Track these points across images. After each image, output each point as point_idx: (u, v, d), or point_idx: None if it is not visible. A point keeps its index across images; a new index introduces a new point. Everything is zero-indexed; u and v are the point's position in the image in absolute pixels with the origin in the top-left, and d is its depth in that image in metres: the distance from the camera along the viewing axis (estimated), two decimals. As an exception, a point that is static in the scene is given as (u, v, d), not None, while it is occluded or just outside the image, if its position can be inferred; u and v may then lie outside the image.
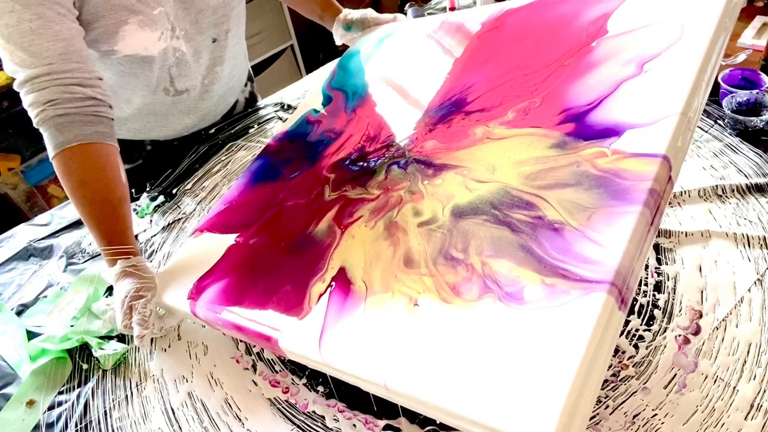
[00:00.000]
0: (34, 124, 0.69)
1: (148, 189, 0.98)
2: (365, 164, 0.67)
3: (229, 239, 0.69)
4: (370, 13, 0.97)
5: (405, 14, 1.27)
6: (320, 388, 0.62)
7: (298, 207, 0.67)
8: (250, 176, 0.79)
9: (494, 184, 0.53)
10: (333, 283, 0.55)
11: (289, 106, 1.12)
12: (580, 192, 0.47)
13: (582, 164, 0.49)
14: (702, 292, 0.62)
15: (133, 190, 0.96)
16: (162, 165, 1.02)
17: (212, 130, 1.07)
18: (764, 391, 0.53)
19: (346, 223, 0.60)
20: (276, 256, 0.62)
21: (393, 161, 0.65)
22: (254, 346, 0.69)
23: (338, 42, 1.03)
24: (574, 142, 0.51)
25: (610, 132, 0.50)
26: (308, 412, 0.60)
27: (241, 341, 0.69)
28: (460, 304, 0.46)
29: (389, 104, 0.75)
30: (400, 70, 0.80)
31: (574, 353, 0.38)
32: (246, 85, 1.14)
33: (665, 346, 0.58)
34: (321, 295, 0.54)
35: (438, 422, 0.56)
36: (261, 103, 1.16)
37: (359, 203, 0.62)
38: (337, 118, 0.79)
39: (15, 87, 0.69)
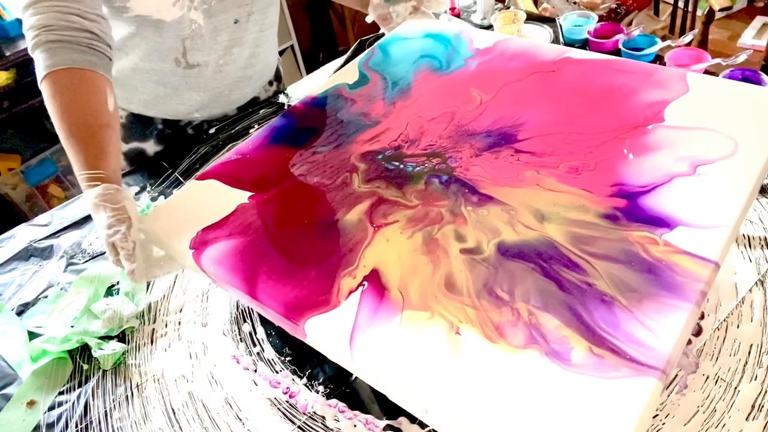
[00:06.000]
0: (29, 50, 0.69)
1: (148, 189, 0.98)
2: (401, 166, 0.66)
3: (240, 196, 0.67)
4: None
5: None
6: (320, 389, 0.62)
7: (323, 187, 0.66)
8: (270, 133, 0.76)
9: (542, 236, 0.54)
10: (365, 283, 0.54)
11: (290, 106, 1.11)
12: (630, 272, 0.49)
13: (633, 245, 0.51)
14: (703, 292, 0.62)
15: (133, 192, 0.96)
16: (167, 161, 1.02)
17: (212, 130, 1.07)
18: (765, 392, 0.53)
19: (379, 223, 0.60)
20: (298, 233, 0.61)
21: (434, 174, 0.64)
22: (254, 346, 0.68)
23: (371, 14, 0.99)
24: (626, 221, 0.53)
25: (661, 222, 0.52)
26: (308, 413, 0.60)
27: (241, 340, 0.69)
28: (506, 348, 0.46)
29: (433, 111, 0.73)
30: (450, 77, 0.78)
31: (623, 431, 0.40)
32: (272, 84, 1.14)
33: (666, 347, 0.58)
34: (351, 292, 0.54)
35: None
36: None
37: (394, 206, 0.61)
38: (373, 103, 0.77)
39: (20, 11, 0.69)
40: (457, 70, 0.79)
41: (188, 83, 0.97)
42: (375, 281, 0.54)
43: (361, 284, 0.54)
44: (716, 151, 0.57)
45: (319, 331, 0.52)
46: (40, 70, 0.68)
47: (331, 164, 0.69)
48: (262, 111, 1.12)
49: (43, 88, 0.68)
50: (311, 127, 0.76)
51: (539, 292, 0.49)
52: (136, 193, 0.97)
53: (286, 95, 1.16)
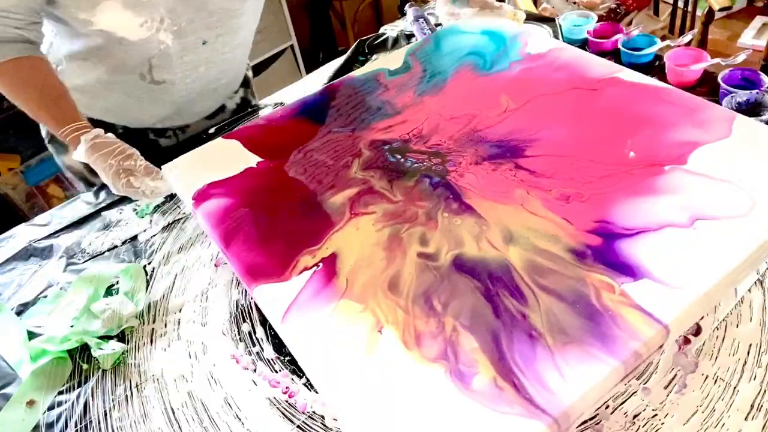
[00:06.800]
0: None
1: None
2: (402, 159, 0.66)
3: (252, 160, 0.71)
4: None
5: (404, 14, 1.26)
6: (320, 388, 0.62)
7: (324, 166, 0.68)
8: (299, 107, 0.80)
9: (502, 257, 0.53)
10: (320, 264, 0.56)
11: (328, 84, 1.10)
12: (569, 313, 0.47)
13: (587, 287, 0.49)
14: (702, 292, 0.62)
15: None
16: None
17: (212, 130, 1.07)
18: (764, 392, 0.53)
19: (357, 211, 0.61)
20: (285, 206, 0.64)
21: (427, 173, 0.64)
22: (254, 346, 0.69)
23: (440, 14, 0.97)
24: (591, 260, 0.51)
25: (628, 270, 0.49)
26: (308, 412, 0.60)
27: (240, 340, 0.69)
28: (416, 357, 0.47)
29: (455, 110, 0.72)
30: (487, 79, 0.76)
31: None
32: (237, 92, 1.13)
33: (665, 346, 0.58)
34: (305, 269, 0.56)
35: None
36: (261, 102, 1.16)
37: (378, 198, 0.62)
38: (403, 93, 0.77)
39: None
40: (497, 73, 0.76)
41: (153, 97, 0.96)
42: (330, 265, 0.56)
43: (316, 264, 0.56)
44: (727, 209, 0.51)
45: (264, 299, 0.55)
46: None
47: (342, 146, 0.71)
48: (261, 111, 1.12)
49: None
50: (338, 107, 0.78)
51: (472, 311, 0.49)
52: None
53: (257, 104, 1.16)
